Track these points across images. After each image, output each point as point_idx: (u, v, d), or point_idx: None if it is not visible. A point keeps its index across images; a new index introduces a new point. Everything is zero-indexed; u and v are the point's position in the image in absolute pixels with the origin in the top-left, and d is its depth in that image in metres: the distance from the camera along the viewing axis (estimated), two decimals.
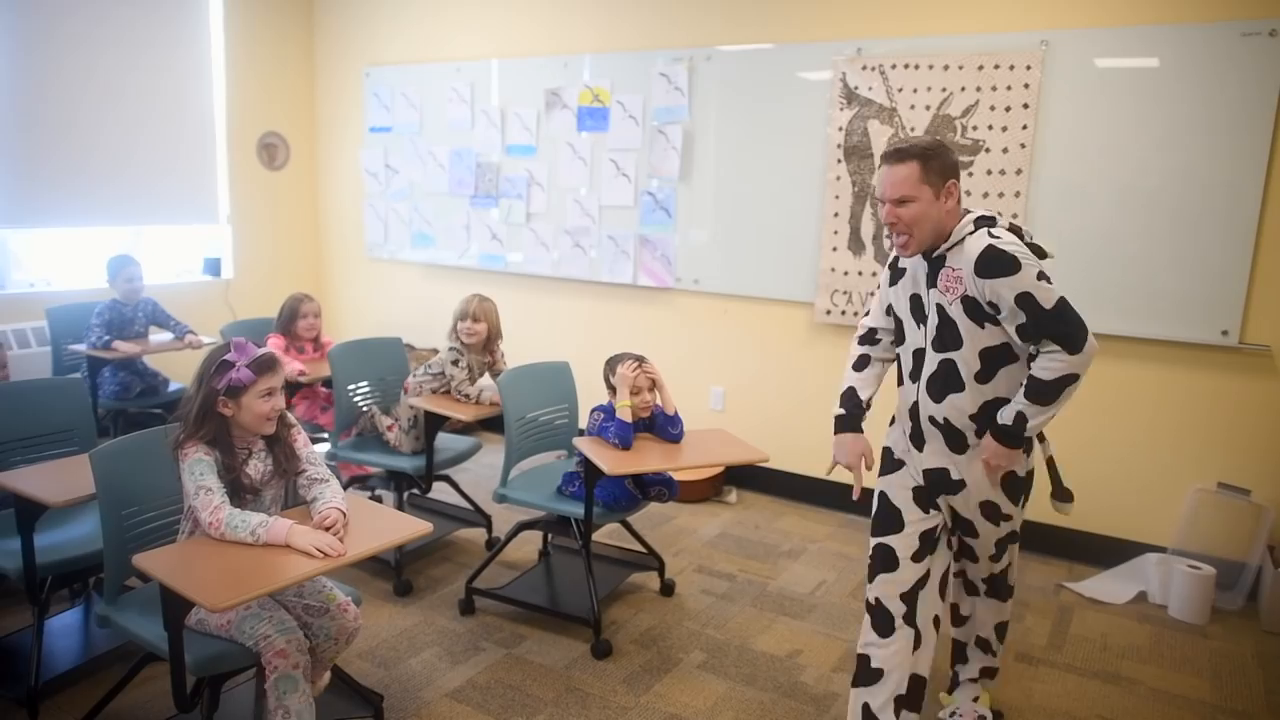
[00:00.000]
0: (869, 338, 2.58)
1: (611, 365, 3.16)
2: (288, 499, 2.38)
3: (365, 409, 3.88)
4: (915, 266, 2.33)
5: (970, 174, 3.96)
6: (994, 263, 2.10)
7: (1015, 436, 2.20)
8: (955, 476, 2.35)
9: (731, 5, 4.53)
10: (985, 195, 3.94)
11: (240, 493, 2.19)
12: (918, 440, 2.41)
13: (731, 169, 4.60)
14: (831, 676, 2.98)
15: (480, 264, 5.52)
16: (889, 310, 2.48)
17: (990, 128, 3.90)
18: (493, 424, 5.37)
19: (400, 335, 4.76)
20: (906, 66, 4.05)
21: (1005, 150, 3.88)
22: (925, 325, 2.31)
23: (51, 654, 2.84)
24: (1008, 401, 2.22)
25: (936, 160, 2.18)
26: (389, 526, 2.27)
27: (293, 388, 4.12)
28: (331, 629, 2.28)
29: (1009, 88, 3.84)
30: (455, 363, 3.64)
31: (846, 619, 3.37)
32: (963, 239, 2.18)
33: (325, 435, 4.18)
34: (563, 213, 5.15)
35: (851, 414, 2.53)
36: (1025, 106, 3.82)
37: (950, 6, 3.99)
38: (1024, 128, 3.83)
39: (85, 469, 2.30)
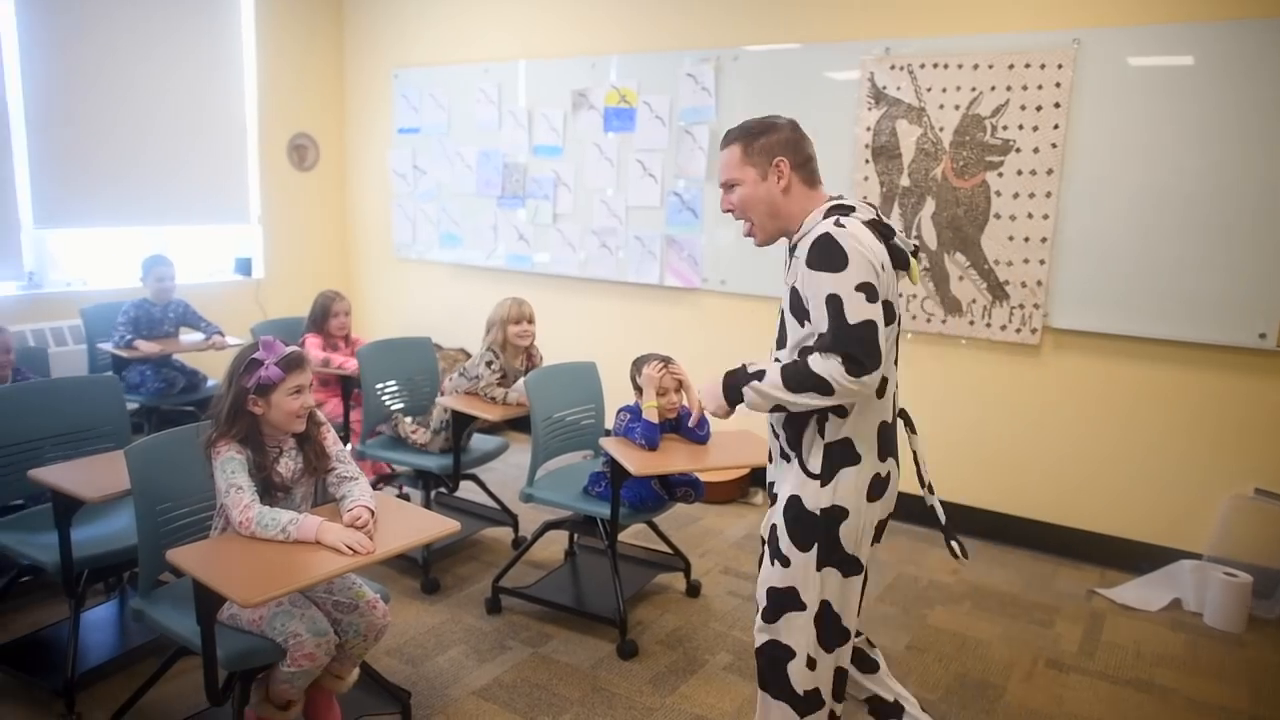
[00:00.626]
0: None
1: (638, 366, 3.16)
2: (317, 497, 2.40)
3: (393, 411, 3.90)
4: (786, 261, 2.12)
5: (1000, 174, 3.92)
6: (823, 253, 1.89)
7: (735, 388, 2.01)
8: (775, 490, 2.13)
9: (758, 6, 4.51)
10: (1015, 196, 3.90)
11: (271, 491, 2.21)
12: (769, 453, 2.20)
13: None
14: None
15: (507, 264, 5.54)
16: None
17: (1021, 127, 3.86)
18: (520, 424, 5.40)
19: (428, 335, 4.78)
20: (935, 66, 4.02)
21: (1036, 150, 3.84)
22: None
23: (87, 646, 2.88)
24: (823, 409, 1.95)
25: (758, 139, 2.04)
26: (417, 525, 2.29)
27: (349, 383, 4.15)
28: (360, 626, 2.29)
29: (1040, 87, 3.80)
30: (489, 364, 3.66)
31: (875, 623, 3.35)
32: (811, 229, 1.97)
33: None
34: (589, 213, 5.16)
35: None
36: (1057, 106, 3.78)
37: (980, 5, 3.96)
38: (1055, 127, 3.79)
39: (120, 465, 2.34)
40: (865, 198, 2.05)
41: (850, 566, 2.00)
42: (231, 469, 2.15)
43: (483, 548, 3.92)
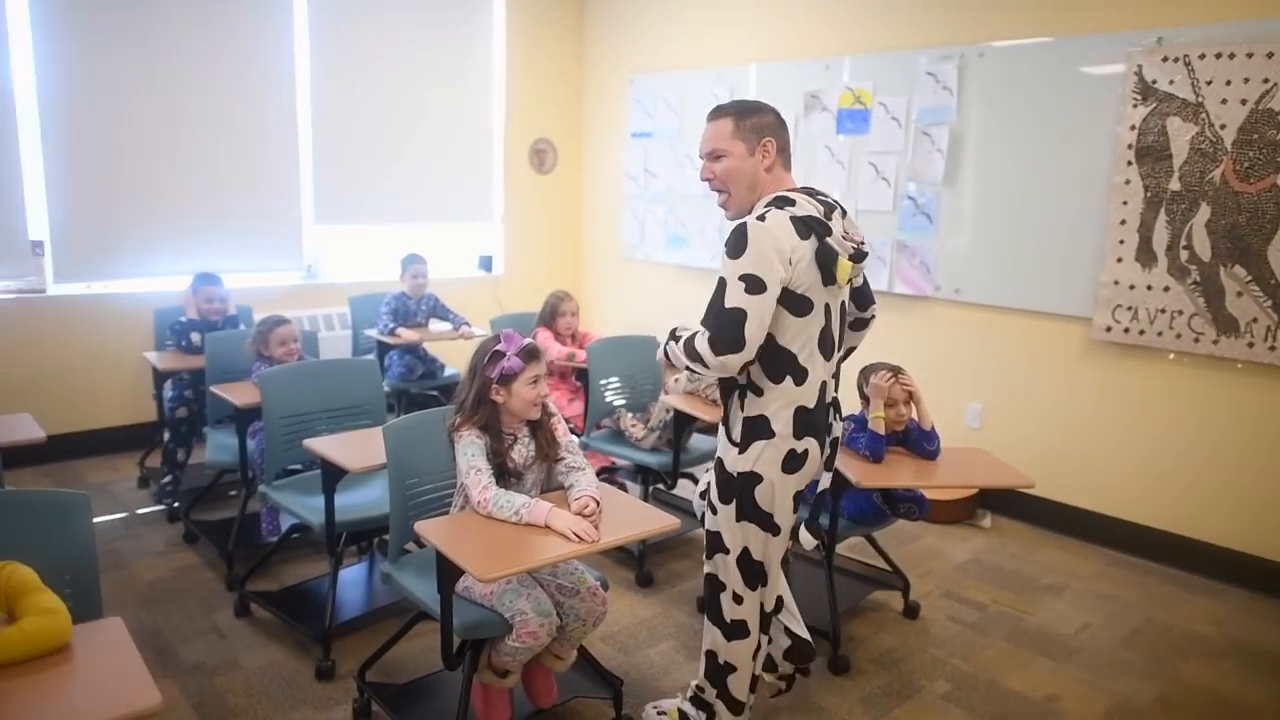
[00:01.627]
0: None
1: (865, 374, 3.07)
2: (545, 484, 2.52)
3: (616, 406, 4.03)
4: None
5: None
6: (731, 237, 2.09)
7: (666, 350, 2.28)
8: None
9: None
10: None
11: (505, 476, 2.35)
12: None
13: (1001, 172, 4.31)
14: None
15: None
16: None
17: None
18: None
19: (652, 335, 4.90)
20: (1218, 56, 3.60)
21: None
22: None
23: (342, 601, 3.20)
24: (734, 381, 2.21)
25: (750, 118, 2.19)
26: (639, 518, 2.34)
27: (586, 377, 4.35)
28: (581, 610, 2.39)
29: None
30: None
31: (1116, 669, 3.05)
32: (751, 214, 2.15)
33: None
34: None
35: None
36: None
37: None
38: None
39: (377, 440, 2.58)
40: (814, 194, 2.20)
41: (767, 524, 2.25)
42: (472, 452, 2.30)
43: (696, 545, 3.96)
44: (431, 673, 2.76)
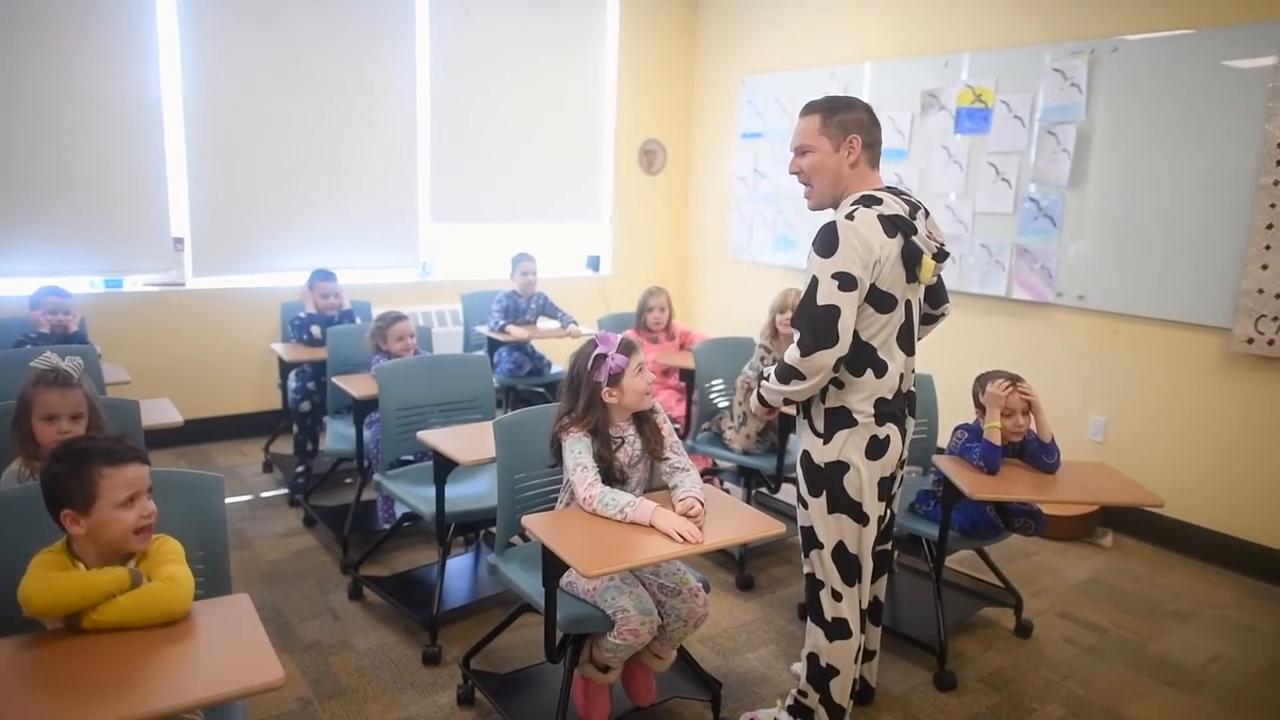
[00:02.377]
0: None
1: (982, 382, 2.96)
2: (649, 483, 2.53)
3: (719, 408, 4.01)
4: None
5: None
6: (820, 236, 2.16)
7: (762, 399, 2.37)
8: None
9: None
10: None
11: (610, 479, 2.37)
12: None
13: (1133, 172, 4.09)
14: None
15: None
16: None
17: None
18: None
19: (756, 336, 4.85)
20: None
21: None
22: None
23: (449, 589, 3.30)
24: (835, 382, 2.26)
25: (839, 114, 2.26)
26: (743, 521, 2.32)
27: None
28: (682, 611, 2.38)
29: None
30: (763, 359, 3.64)
31: (1251, 705, 2.85)
32: (837, 212, 2.22)
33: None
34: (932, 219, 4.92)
35: None
36: None
37: None
38: None
39: (486, 435, 2.64)
40: (899, 193, 2.26)
41: (857, 515, 2.29)
42: (579, 450, 2.33)
43: (796, 550, 3.86)
44: (533, 664, 2.81)
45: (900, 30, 5.11)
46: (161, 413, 3.12)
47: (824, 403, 2.29)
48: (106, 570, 1.65)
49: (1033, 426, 2.89)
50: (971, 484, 2.72)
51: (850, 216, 2.15)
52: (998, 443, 2.82)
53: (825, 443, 2.29)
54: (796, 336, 2.19)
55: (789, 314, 3.65)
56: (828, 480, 2.30)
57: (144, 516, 1.70)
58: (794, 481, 3.81)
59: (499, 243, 5.87)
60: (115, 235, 4.75)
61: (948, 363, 4.25)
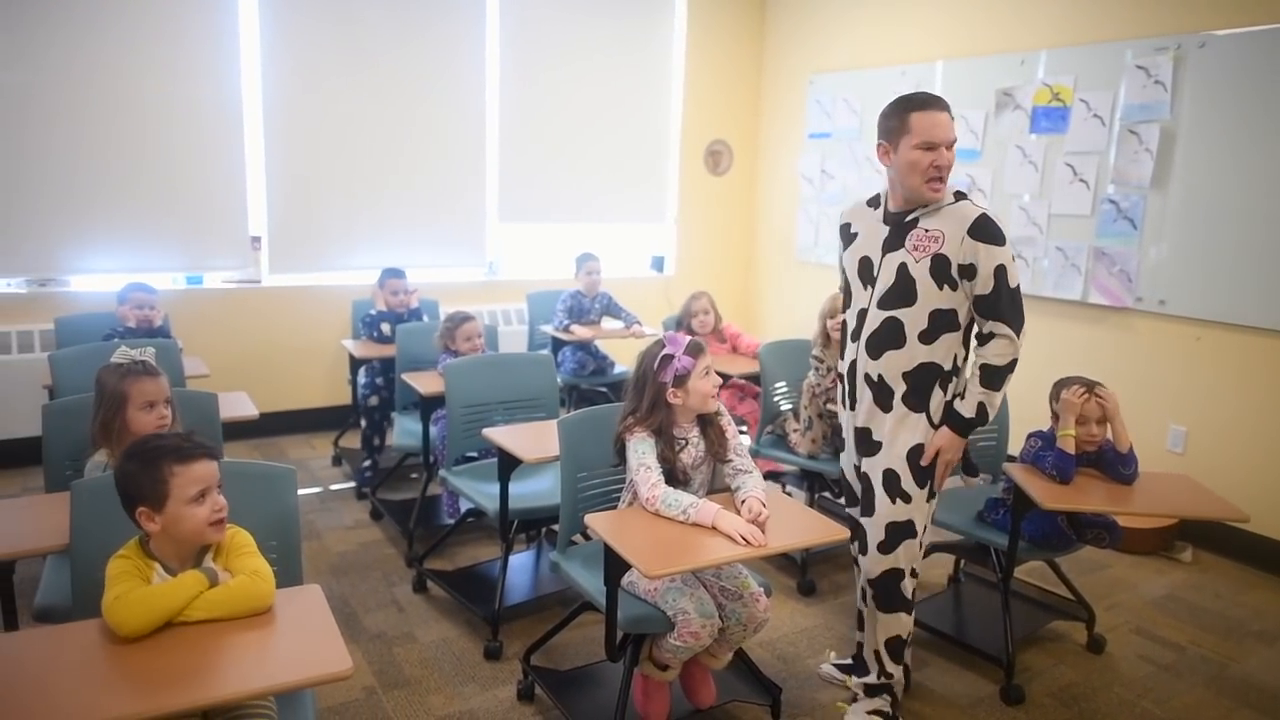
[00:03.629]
0: None
1: (1058, 389, 2.87)
2: (711, 485, 2.52)
3: (782, 411, 3.98)
4: (870, 230, 2.49)
5: None
6: (987, 228, 2.31)
7: (973, 425, 2.39)
8: (876, 437, 2.48)
9: None
10: None
11: (672, 478, 2.37)
12: (852, 399, 2.54)
13: (1219, 173, 3.93)
14: None
15: None
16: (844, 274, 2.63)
17: None
18: None
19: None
20: None
21: None
22: (873, 286, 2.45)
23: (511, 585, 3.33)
24: (940, 368, 2.39)
25: None
26: (807, 525, 2.30)
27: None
28: (743, 615, 2.37)
29: None
30: (816, 369, 3.60)
31: None
32: (942, 207, 2.37)
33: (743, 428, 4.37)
34: (1005, 221, 4.73)
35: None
36: None
37: None
38: None
39: (550, 433, 2.66)
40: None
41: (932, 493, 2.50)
42: (643, 450, 2.33)
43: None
44: (593, 662, 2.82)
45: (974, 27, 5.00)
46: (238, 405, 3.22)
47: (945, 394, 2.42)
48: (182, 578, 1.69)
49: (1109, 435, 2.80)
50: (1043, 493, 2.65)
51: (980, 206, 2.38)
52: (1071, 451, 2.73)
53: (934, 431, 2.43)
54: (997, 328, 2.33)
55: (839, 319, 3.59)
56: (930, 470, 2.45)
57: (215, 511, 1.75)
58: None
59: (564, 243, 5.91)
60: (197, 233, 4.93)
61: (1019, 368, 4.14)
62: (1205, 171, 3.98)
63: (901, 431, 2.43)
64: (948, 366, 2.40)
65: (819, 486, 3.81)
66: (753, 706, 2.68)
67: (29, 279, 4.63)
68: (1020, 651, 3.04)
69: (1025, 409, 3.33)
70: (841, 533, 2.23)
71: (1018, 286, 2.34)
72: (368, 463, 4.44)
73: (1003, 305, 2.32)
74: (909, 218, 2.40)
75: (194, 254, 4.96)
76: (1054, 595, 3.37)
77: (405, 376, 3.83)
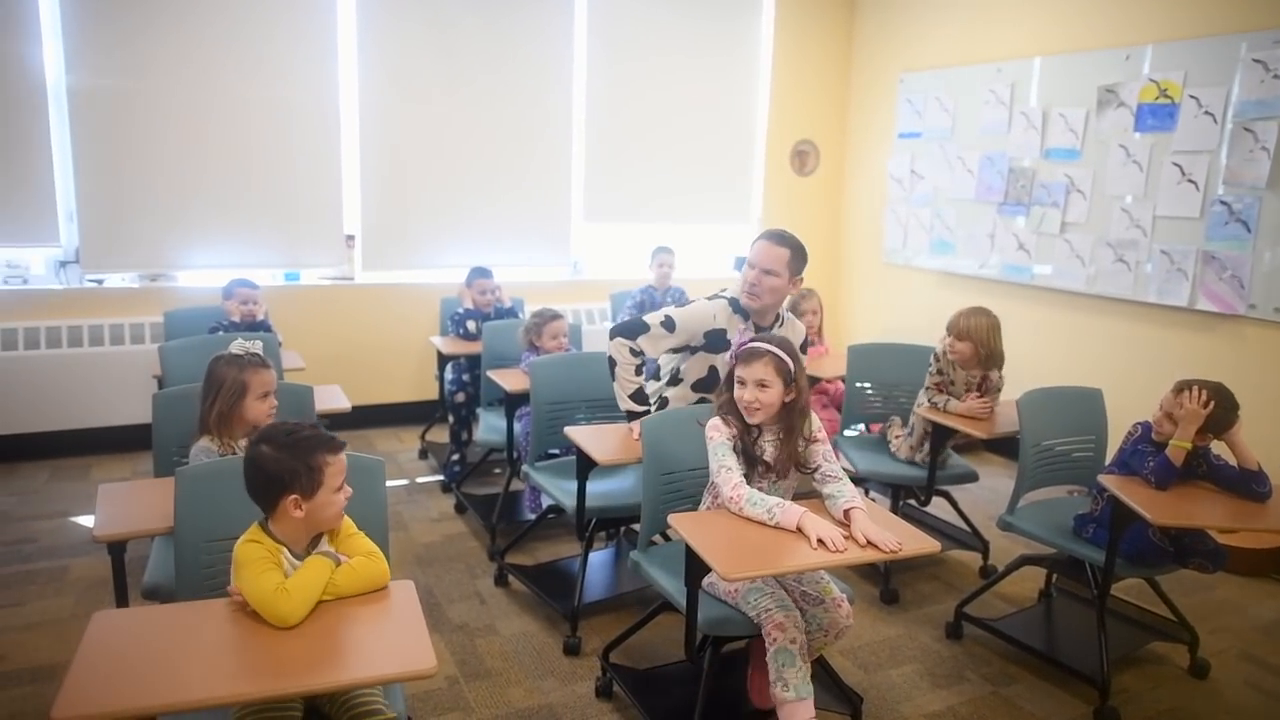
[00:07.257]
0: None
1: (1178, 390, 2.71)
2: (795, 489, 2.49)
3: (874, 411, 3.91)
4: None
5: None
6: None
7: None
8: None
9: None
10: None
11: (754, 466, 2.33)
12: None
13: None
14: None
15: (1002, 275, 5.21)
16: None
17: None
18: (1001, 447, 5.07)
19: (913, 343, 4.71)
20: None
21: None
22: None
23: (590, 582, 3.36)
24: None
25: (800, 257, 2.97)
26: (898, 536, 2.24)
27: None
28: (824, 621, 2.33)
29: None
30: (930, 373, 3.52)
31: None
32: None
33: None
34: (1106, 223, 4.62)
35: None
36: None
37: None
38: None
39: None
40: None
41: None
42: (723, 452, 2.31)
43: (946, 568, 3.75)
44: (672, 662, 2.82)
45: (1074, 21, 4.81)
46: (332, 398, 3.33)
47: None
48: (315, 563, 1.75)
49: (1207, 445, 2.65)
50: (1150, 505, 2.51)
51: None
52: (1179, 464, 2.60)
53: None
54: None
55: (951, 339, 3.51)
56: None
57: (347, 498, 1.82)
58: (946, 496, 3.70)
59: (648, 242, 5.90)
60: (295, 232, 5.11)
61: (1119, 377, 3.98)
62: None
63: None
64: None
65: (904, 494, 3.72)
66: (834, 715, 2.63)
67: (140, 274, 4.89)
68: (1117, 673, 2.91)
69: (1127, 420, 3.19)
70: (932, 545, 2.17)
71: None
72: (454, 457, 4.53)
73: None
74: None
75: (292, 251, 5.15)
76: (1153, 615, 3.22)
77: (491, 373, 3.89)
